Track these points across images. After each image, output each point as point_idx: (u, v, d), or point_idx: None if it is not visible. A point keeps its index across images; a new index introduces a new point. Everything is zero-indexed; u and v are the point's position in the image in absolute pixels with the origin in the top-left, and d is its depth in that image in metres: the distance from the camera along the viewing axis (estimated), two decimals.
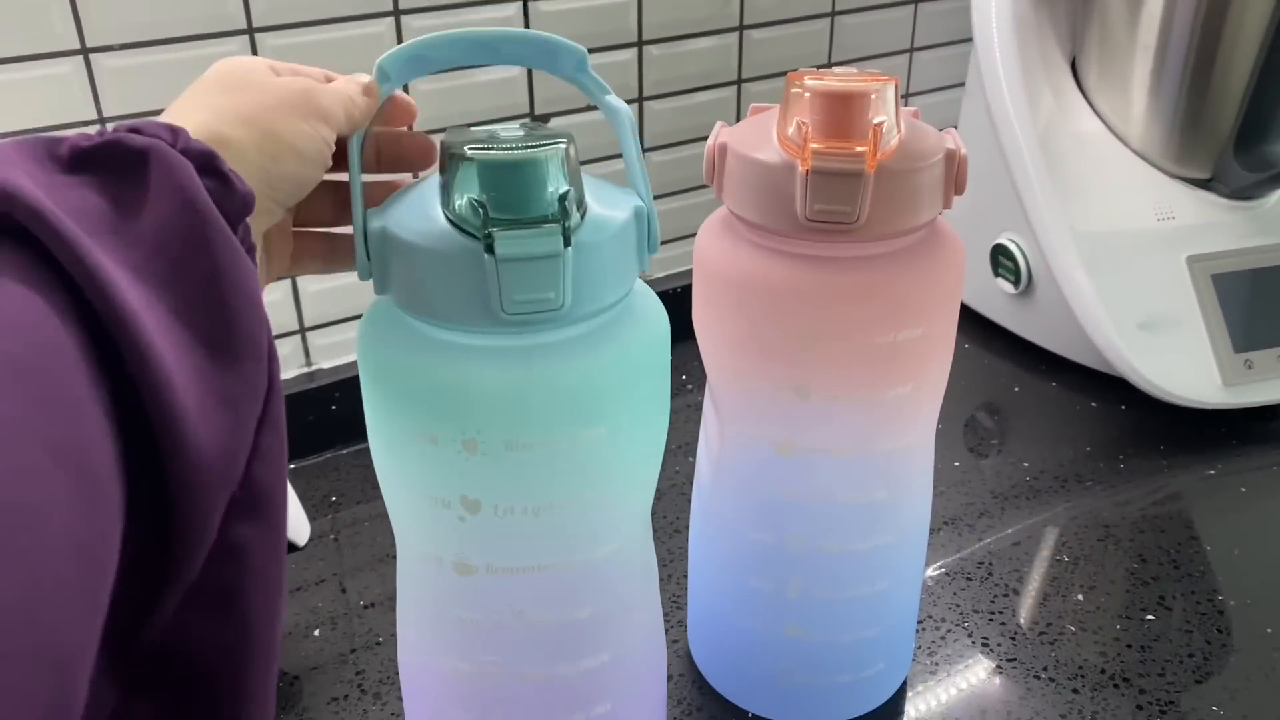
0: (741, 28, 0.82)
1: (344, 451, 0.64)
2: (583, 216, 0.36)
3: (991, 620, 0.58)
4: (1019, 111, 0.75)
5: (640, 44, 0.77)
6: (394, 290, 0.36)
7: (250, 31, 0.64)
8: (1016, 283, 0.81)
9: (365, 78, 0.38)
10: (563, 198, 0.35)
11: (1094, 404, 0.78)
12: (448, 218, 0.35)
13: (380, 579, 0.61)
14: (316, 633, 0.57)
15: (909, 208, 0.42)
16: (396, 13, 0.68)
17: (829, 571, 0.48)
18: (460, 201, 0.35)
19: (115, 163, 0.28)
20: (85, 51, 0.60)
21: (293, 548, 0.54)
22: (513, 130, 0.37)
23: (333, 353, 0.72)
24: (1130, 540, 0.64)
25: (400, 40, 0.68)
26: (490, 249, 0.33)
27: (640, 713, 0.44)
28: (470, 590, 0.39)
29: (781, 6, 0.83)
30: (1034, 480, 0.70)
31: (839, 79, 0.42)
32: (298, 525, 0.55)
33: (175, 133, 0.30)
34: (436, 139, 0.39)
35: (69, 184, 0.28)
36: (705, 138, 0.45)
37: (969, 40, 0.79)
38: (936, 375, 0.46)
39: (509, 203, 0.34)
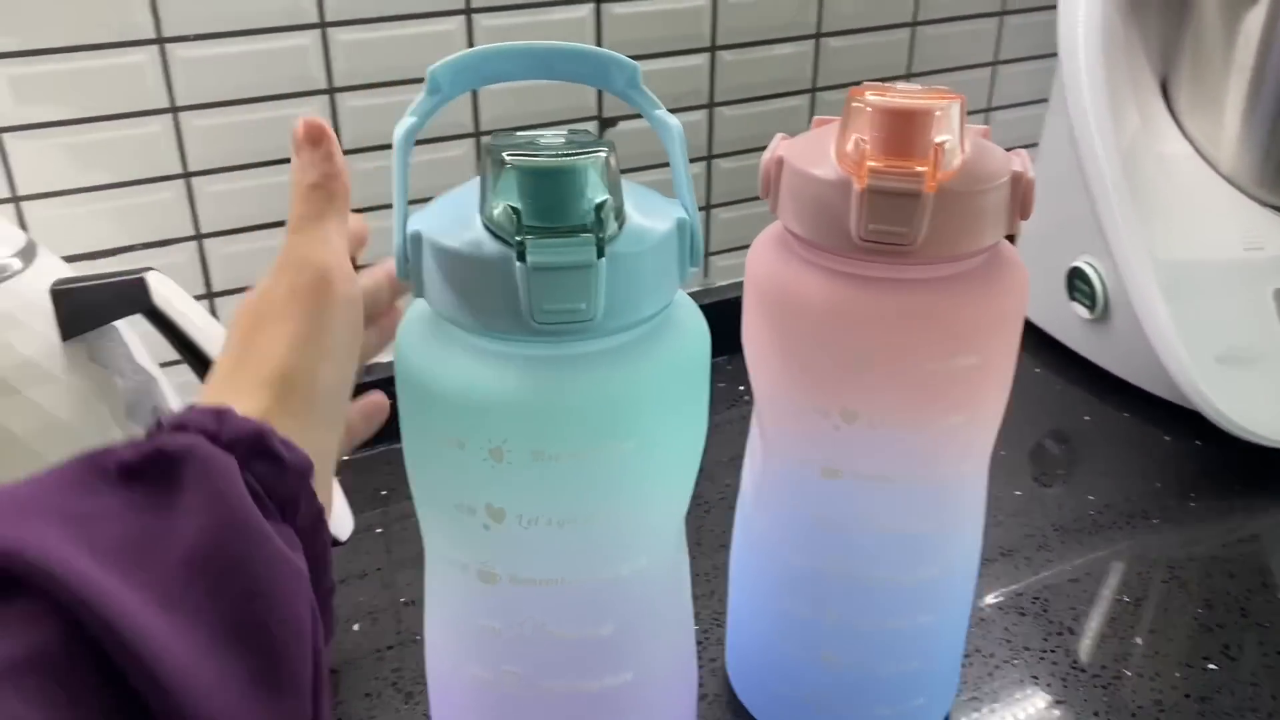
0: (819, 35, 0.80)
1: (398, 446, 0.64)
2: (620, 226, 0.35)
3: (1044, 658, 0.56)
4: (1102, 130, 0.72)
5: (714, 49, 0.77)
6: (429, 294, 0.36)
7: (323, 25, 0.64)
8: (1092, 308, 0.78)
9: (391, 264, 0.38)
10: (599, 207, 0.34)
11: (1167, 437, 0.75)
12: (484, 223, 0.34)
13: (423, 576, 0.61)
14: (356, 627, 0.58)
15: (970, 231, 0.40)
16: (468, 11, 0.68)
17: (869, 601, 0.46)
18: (496, 207, 0.34)
19: (157, 472, 0.28)
20: (161, 41, 0.61)
21: (335, 543, 0.54)
22: (555, 137, 0.37)
23: (390, 348, 0.72)
24: (1197, 583, 0.61)
25: (471, 41, 0.68)
26: (522, 256, 0.33)
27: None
28: (493, 599, 0.38)
29: (861, 15, 0.81)
30: (1098, 514, 0.67)
31: (902, 95, 0.40)
32: (341, 520, 0.55)
33: (220, 418, 0.29)
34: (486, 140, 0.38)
35: (106, 512, 0.27)
36: None
37: (1054, 55, 0.77)
38: (993, 406, 0.44)
39: (544, 210, 0.34)
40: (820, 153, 0.42)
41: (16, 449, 0.46)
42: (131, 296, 0.49)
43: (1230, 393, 0.70)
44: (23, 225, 0.61)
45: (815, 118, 0.47)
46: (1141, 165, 0.74)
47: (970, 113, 0.89)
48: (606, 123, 0.75)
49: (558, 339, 0.35)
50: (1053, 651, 0.56)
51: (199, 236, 0.66)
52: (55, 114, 0.60)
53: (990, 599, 0.60)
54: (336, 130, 0.66)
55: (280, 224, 0.67)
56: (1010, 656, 0.56)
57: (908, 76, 0.86)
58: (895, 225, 0.39)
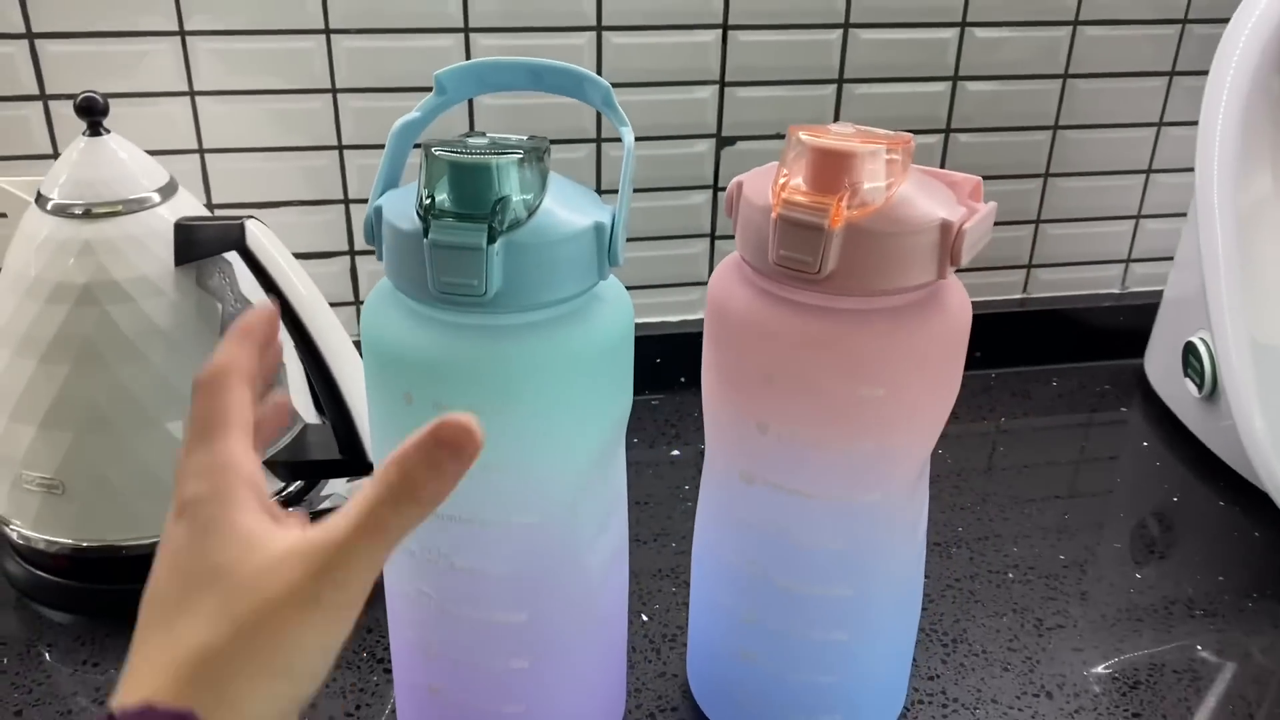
0: (955, 78, 0.81)
1: None
2: (528, 217, 0.40)
3: None
4: (1221, 196, 0.69)
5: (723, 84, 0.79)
6: (385, 262, 0.43)
7: (466, 31, 0.73)
8: (1200, 386, 0.75)
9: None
10: (499, 200, 0.40)
11: (1256, 532, 0.70)
12: (414, 206, 0.41)
13: None
14: None
15: (883, 270, 0.43)
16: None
17: (784, 608, 0.49)
18: (423, 192, 0.41)
19: None
20: (329, 32, 0.72)
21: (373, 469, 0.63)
22: (489, 139, 0.43)
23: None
24: (1231, 689, 0.59)
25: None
26: (426, 233, 0.39)
27: (562, 670, 0.48)
28: (422, 529, 0.45)
29: (1016, 64, 0.81)
30: (1137, 594, 0.65)
31: (835, 136, 0.43)
32: None
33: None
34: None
35: None
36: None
37: None
38: (909, 438, 0.46)
39: (452, 199, 0.40)
40: (767, 183, 0.46)
41: (123, 346, 0.58)
42: (232, 237, 0.59)
43: None
44: (205, 173, 0.74)
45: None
46: (1266, 240, 0.71)
47: (1128, 172, 0.87)
48: (724, 141, 0.79)
49: (470, 310, 0.41)
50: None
51: (346, 201, 0.77)
52: (240, 84, 0.72)
53: (1051, 677, 0.60)
54: (472, 118, 0.75)
55: None
56: None
57: (1055, 128, 0.84)
58: (801, 253, 0.42)
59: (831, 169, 0.42)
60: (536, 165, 0.41)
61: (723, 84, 0.77)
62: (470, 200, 0.40)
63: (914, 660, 0.58)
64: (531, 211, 0.41)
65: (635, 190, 0.77)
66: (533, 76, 0.45)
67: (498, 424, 0.42)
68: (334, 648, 0.29)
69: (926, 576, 0.65)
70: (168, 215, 0.59)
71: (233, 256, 0.60)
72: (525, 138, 0.43)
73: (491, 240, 0.39)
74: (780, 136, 0.80)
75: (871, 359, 0.44)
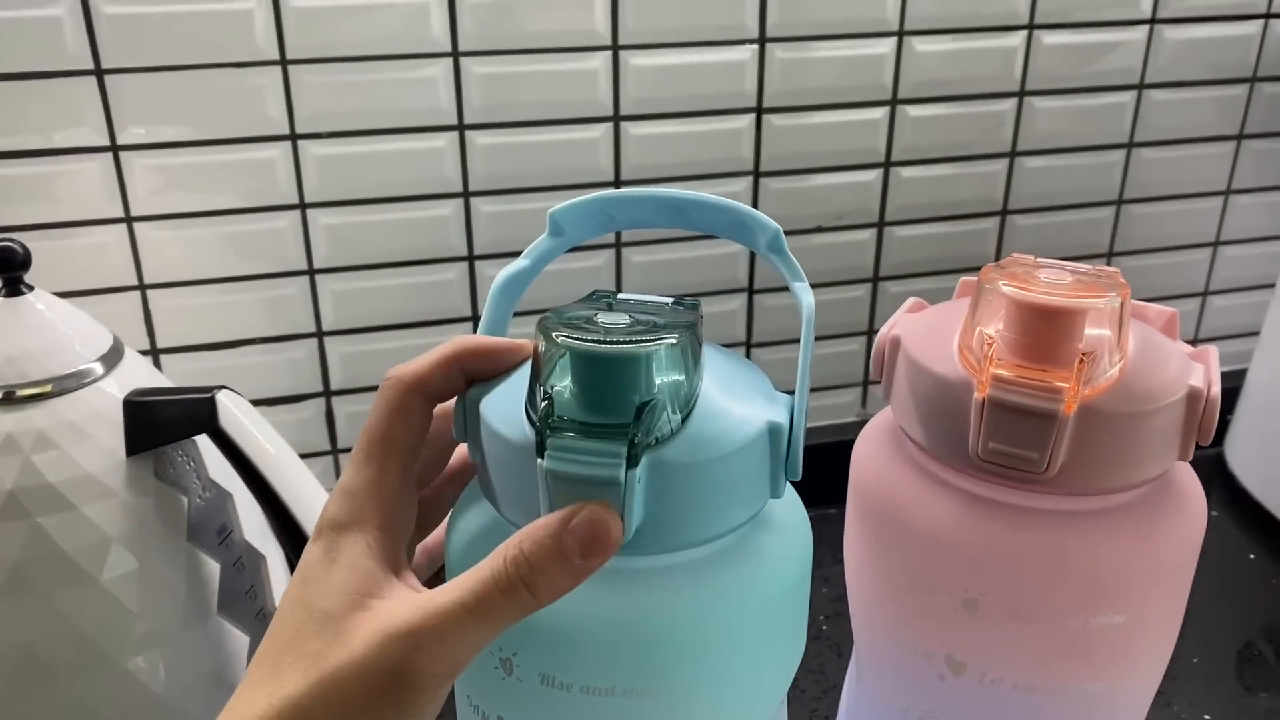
0: (1013, 154, 0.72)
1: None
2: (683, 421, 0.29)
3: None
4: None
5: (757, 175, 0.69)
6: (477, 465, 0.32)
7: (460, 128, 0.61)
8: None
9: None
10: (643, 405, 0.28)
11: None
12: (525, 404, 0.29)
13: None
14: None
15: (1124, 461, 0.32)
16: (625, 117, 0.63)
17: None
18: (537, 389, 0.29)
19: None
20: (295, 138, 0.59)
21: None
22: (628, 313, 0.31)
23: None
24: None
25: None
26: (541, 453, 0.28)
27: None
28: None
29: (1070, 135, 0.72)
30: None
31: (1045, 286, 0.33)
32: None
33: None
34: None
35: None
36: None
37: None
38: (1144, 673, 0.35)
39: (583, 401, 0.29)
40: (945, 339, 0.35)
41: (62, 567, 0.44)
42: (200, 416, 0.46)
43: None
44: (147, 313, 0.61)
45: (962, 280, 0.40)
46: None
47: (1194, 246, 0.78)
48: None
49: None
50: None
51: (320, 334, 0.64)
52: (185, 205, 0.59)
53: None
54: (470, 235, 0.64)
55: (405, 326, 0.65)
56: None
57: (1119, 203, 0.75)
58: (1023, 449, 0.31)
59: (1055, 332, 0.32)
60: (690, 344, 0.29)
61: (757, 174, 0.67)
62: (607, 405, 0.28)
63: None
64: (686, 414, 0.29)
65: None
66: (676, 213, 0.34)
67: (633, 712, 0.30)
68: None
69: None
70: (114, 391, 0.46)
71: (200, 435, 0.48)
72: (668, 301, 0.31)
73: (633, 464, 0.28)
74: (822, 230, 0.69)
75: (1114, 576, 0.33)
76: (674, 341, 0.29)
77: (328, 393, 0.66)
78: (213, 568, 0.48)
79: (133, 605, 0.46)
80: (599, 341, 0.29)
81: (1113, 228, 0.76)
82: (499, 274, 0.34)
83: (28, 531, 0.44)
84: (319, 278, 0.63)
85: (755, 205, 0.67)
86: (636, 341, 0.29)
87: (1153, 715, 0.55)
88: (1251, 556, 0.71)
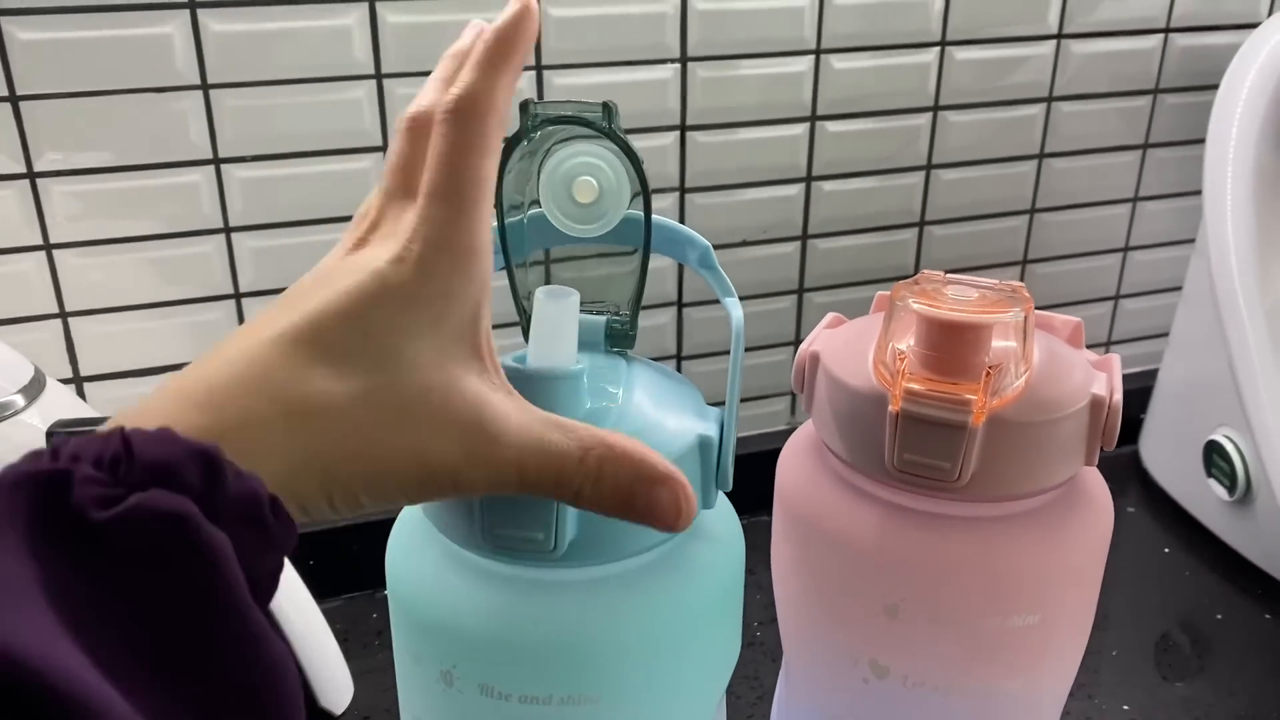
0: (929, 167, 0.74)
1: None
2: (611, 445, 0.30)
3: None
4: (1245, 281, 0.63)
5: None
6: None
7: (385, 150, 0.61)
8: (1231, 489, 0.68)
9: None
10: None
11: None
12: None
13: None
14: None
15: (1031, 468, 0.34)
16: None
17: None
18: None
19: (145, 547, 0.22)
20: (218, 162, 0.59)
21: (329, 717, 0.50)
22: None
23: None
24: None
25: None
26: None
27: None
28: None
29: (981, 146, 0.74)
30: None
31: (952, 303, 0.34)
32: (339, 688, 0.51)
33: (211, 469, 0.23)
34: None
35: (97, 601, 0.22)
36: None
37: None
38: (1059, 670, 0.37)
39: None
40: (861, 354, 0.36)
41: None
42: None
43: None
44: (69, 341, 0.60)
45: (877, 295, 0.41)
46: None
47: (1104, 252, 0.81)
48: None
49: (532, 563, 0.30)
50: None
51: None
52: (106, 231, 0.58)
53: None
54: None
55: None
56: None
57: (1032, 212, 0.78)
58: (936, 459, 0.33)
59: (962, 347, 0.33)
60: (623, 358, 0.30)
61: (683, 190, 0.68)
62: None
63: None
64: (611, 424, 0.30)
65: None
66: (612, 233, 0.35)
67: (568, 716, 0.31)
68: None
69: None
70: (36, 422, 0.46)
71: None
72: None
73: None
74: (747, 244, 0.71)
75: (1026, 578, 0.34)
76: (603, 354, 0.30)
77: None
78: None
79: None
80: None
81: (1026, 236, 0.78)
82: None
83: None
84: (245, 301, 0.62)
85: (682, 220, 0.68)
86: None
87: (1075, 707, 0.57)
88: (1166, 550, 0.74)
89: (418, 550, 0.32)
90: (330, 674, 0.49)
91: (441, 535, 0.32)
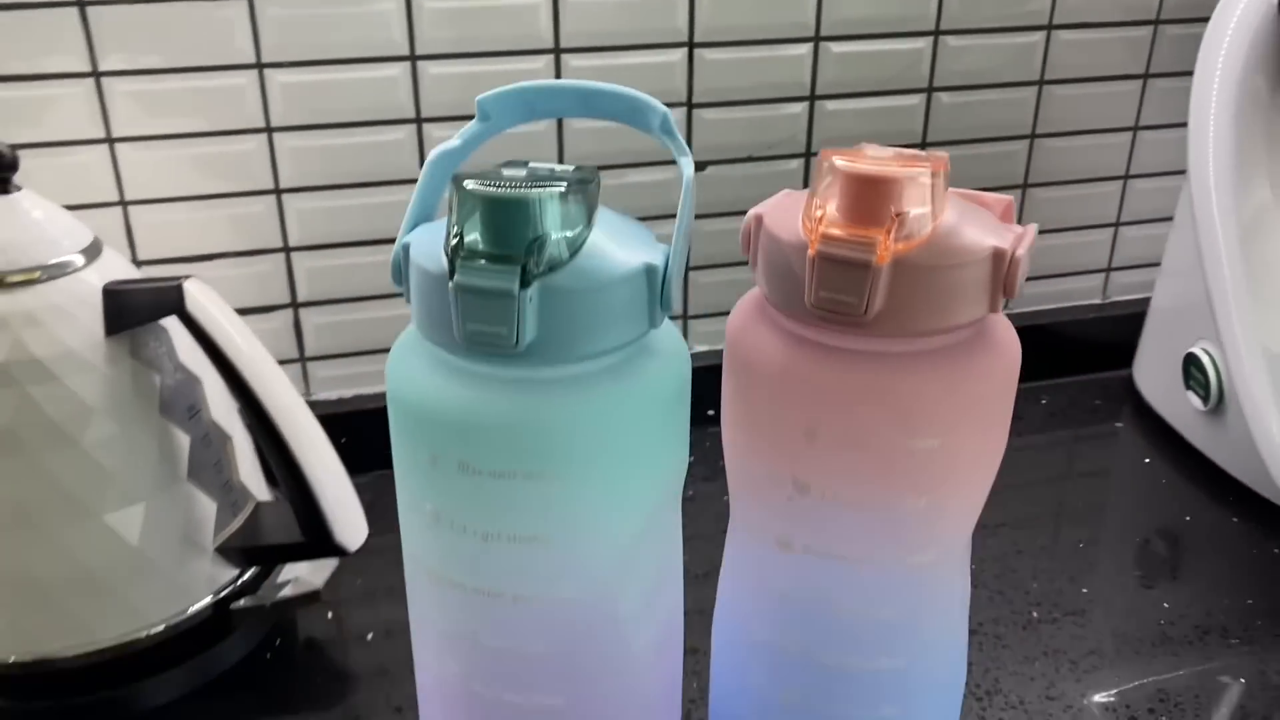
0: (930, 90, 0.77)
1: None
2: (570, 258, 0.35)
3: None
4: (1221, 202, 0.66)
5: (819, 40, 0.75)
6: (411, 303, 0.38)
7: (413, 59, 0.67)
8: (1206, 399, 0.72)
9: None
10: (535, 240, 0.35)
11: (1276, 549, 0.67)
12: (443, 244, 0.36)
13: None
14: (370, 636, 0.60)
15: (934, 307, 0.38)
16: (556, 51, 0.69)
17: (825, 686, 0.44)
18: (452, 229, 0.35)
19: None
20: (260, 66, 0.65)
21: (343, 552, 0.56)
22: (528, 170, 0.38)
23: (333, 385, 0.75)
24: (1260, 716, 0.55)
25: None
26: (452, 275, 0.35)
27: None
28: (440, 598, 0.41)
29: (984, 73, 0.78)
30: (1169, 626, 0.61)
31: (871, 161, 0.39)
32: (355, 527, 0.57)
33: None
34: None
35: None
36: None
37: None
38: (963, 492, 0.41)
39: (486, 237, 0.35)
40: (794, 213, 0.40)
41: (49, 431, 0.51)
42: (169, 301, 0.52)
43: None
44: (129, 228, 0.67)
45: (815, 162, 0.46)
46: (1270, 246, 0.68)
47: (1104, 179, 0.84)
48: (696, 167, 0.74)
49: (502, 362, 0.36)
50: None
51: (286, 249, 0.70)
52: (162, 128, 0.65)
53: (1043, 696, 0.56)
54: (422, 158, 0.69)
55: (366, 243, 0.71)
56: None
57: (1032, 137, 0.81)
58: (845, 295, 0.37)
59: (874, 198, 0.37)
60: (582, 198, 0.36)
61: (690, 105, 0.73)
62: (504, 239, 0.35)
63: None
64: (573, 252, 0.36)
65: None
66: (583, 102, 0.41)
67: (532, 491, 0.37)
68: None
69: None
70: (94, 280, 0.52)
71: (170, 321, 0.54)
72: (571, 168, 0.37)
73: (525, 284, 0.34)
74: (753, 159, 0.75)
75: (923, 405, 0.39)
76: (561, 191, 0.35)
77: (295, 304, 0.72)
78: (183, 439, 0.55)
79: (111, 467, 0.52)
80: (498, 188, 0.35)
81: (1027, 160, 0.82)
82: (432, 151, 0.40)
83: (18, 400, 0.50)
84: (285, 197, 0.69)
85: (689, 136, 0.73)
86: (529, 188, 0.35)
87: (1091, 613, 0.61)
88: (1147, 461, 0.77)
89: (411, 359, 0.38)
90: (345, 513, 0.56)
91: (430, 344, 0.38)
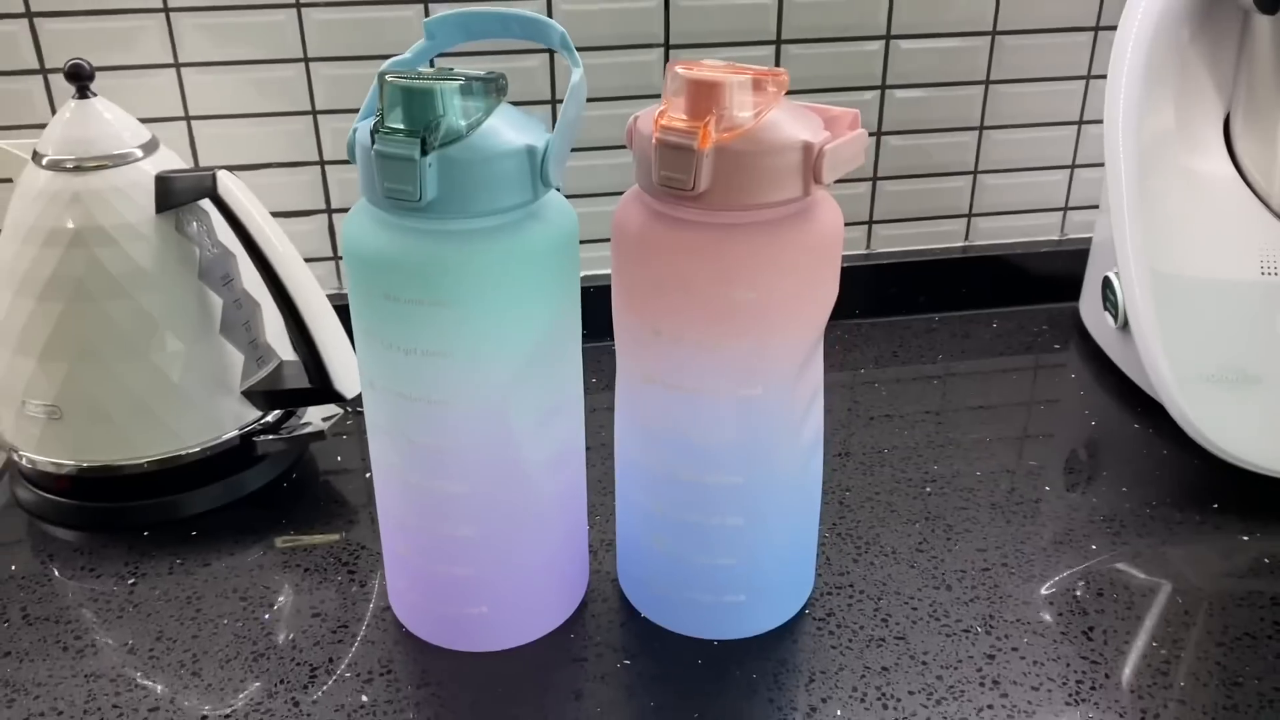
0: (888, 37, 0.86)
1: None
2: (465, 135, 0.47)
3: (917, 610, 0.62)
4: (1125, 128, 0.74)
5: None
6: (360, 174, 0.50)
7: (426, 1, 0.79)
8: (1116, 317, 0.80)
9: None
10: (435, 119, 0.47)
11: (1165, 451, 0.76)
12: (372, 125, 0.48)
13: None
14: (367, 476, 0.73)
15: (752, 186, 0.49)
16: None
17: (686, 498, 0.55)
18: (377, 112, 0.48)
19: None
20: (299, 5, 0.78)
21: (342, 399, 0.69)
22: (446, 68, 0.49)
23: None
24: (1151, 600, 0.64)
25: None
26: (373, 146, 0.47)
27: (516, 540, 0.55)
28: (380, 403, 0.53)
29: (931, 20, 0.86)
30: (1072, 514, 0.70)
31: (708, 69, 0.49)
32: (351, 375, 0.70)
33: None
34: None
35: None
36: None
37: None
38: (783, 337, 0.52)
39: (401, 118, 0.47)
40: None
41: (111, 285, 0.65)
42: (205, 186, 0.66)
43: (1217, 413, 0.71)
44: (192, 139, 0.81)
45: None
46: (1168, 176, 0.76)
47: (1061, 124, 0.92)
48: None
49: (415, 215, 0.48)
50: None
51: (322, 162, 0.84)
52: (221, 55, 0.79)
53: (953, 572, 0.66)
54: None
55: None
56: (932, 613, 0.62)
57: (987, 83, 0.90)
58: (676, 173, 0.48)
59: (702, 97, 0.48)
60: (481, 94, 0.48)
61: (667, 47, 0.83)
62: (412, 119, 0.47)
63: (827, 560, 0.64)
64: (470, 130, 0.47)
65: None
66: (502, 24, 0.52)
67: (440, 315, 0.49)
68: None
69: (848, 489, 0.71)
70: (149, 169, 0.66)
71: (208, 205, 0.67)
72: (483, 72, 0.49)
73: (425, 153, 0.46)
74: None
75: (741, 265, 0.50)
76: (460, 84, 0.47)
77: (329, 210, 0.86)
78: (216, 301, 0.69)
79: (158, 317, 0.66)
80: (410, 79, 0.47)
81: (982, 103, 0.90)
82: (383, 64, 0.52)
83: (87, 259, 0.64)
84: (320, 117, 0.82)
85: None
86: (433, 79, 0.47)
87: (978, 491, 0.71)
88: (1074, 377, 0.86)
89: (358, 219, 0.50)
90: (344, 368, 0.69)
91: (369, 206, 0.50)
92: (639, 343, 0.54)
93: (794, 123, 0.50)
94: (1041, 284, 0.95)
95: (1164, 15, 0.76)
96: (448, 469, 0.53)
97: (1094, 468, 0.75)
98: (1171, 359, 0.72)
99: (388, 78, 0.47)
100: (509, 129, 0.49)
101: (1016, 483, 0.72)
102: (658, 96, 0.83)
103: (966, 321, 0.94)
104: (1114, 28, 0.88)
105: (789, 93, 0.51)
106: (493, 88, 0.49)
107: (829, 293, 0.53)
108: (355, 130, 0.50)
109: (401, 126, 0.47)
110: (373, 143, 0.47)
